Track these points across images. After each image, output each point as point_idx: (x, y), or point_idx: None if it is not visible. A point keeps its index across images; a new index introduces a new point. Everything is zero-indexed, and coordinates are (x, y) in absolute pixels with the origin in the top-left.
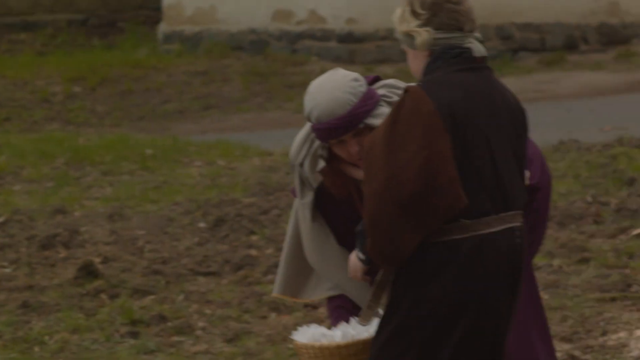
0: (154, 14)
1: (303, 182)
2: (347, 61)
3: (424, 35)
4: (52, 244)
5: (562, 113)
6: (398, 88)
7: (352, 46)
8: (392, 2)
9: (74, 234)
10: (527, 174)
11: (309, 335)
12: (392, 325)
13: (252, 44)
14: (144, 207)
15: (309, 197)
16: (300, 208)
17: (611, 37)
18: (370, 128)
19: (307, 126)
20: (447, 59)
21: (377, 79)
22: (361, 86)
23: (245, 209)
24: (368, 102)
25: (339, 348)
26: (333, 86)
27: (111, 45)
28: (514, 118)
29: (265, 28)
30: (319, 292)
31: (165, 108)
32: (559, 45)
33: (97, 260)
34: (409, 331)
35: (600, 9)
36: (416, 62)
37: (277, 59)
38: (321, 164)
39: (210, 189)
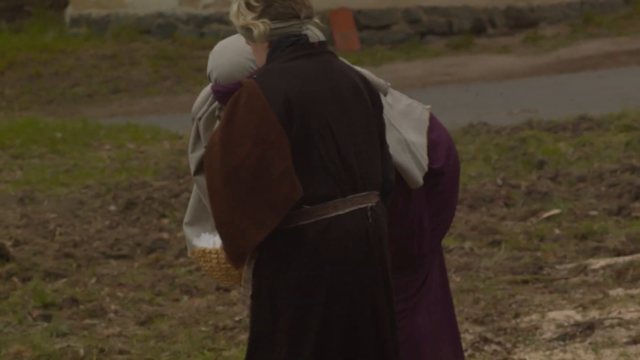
0: None
1: (197, 137)
2: None
3: (260, 27)
4: None
5: (470, 96)
6: None
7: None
8: None
9: None
10: (425, 160)
11: (211, 242)
12: (257, 316)
13: (160, 27)
14: (54, 191)
15: (199, 152)
16: (190, 161)
17: (519, 21)
18: None
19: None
20: (284, 48)
21: None
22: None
23: (156, 192)
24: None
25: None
26: (235, 51)
27: (18, 29)
28: (362, 99)
29: (172, 12)
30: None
31: (74, 92)
32: (467, 28)
33: (8, 243)
34: (271, 321)
35: None
36: (259, 55)
37: (185, 42)
38: (217, 124)
39: (120, 172)
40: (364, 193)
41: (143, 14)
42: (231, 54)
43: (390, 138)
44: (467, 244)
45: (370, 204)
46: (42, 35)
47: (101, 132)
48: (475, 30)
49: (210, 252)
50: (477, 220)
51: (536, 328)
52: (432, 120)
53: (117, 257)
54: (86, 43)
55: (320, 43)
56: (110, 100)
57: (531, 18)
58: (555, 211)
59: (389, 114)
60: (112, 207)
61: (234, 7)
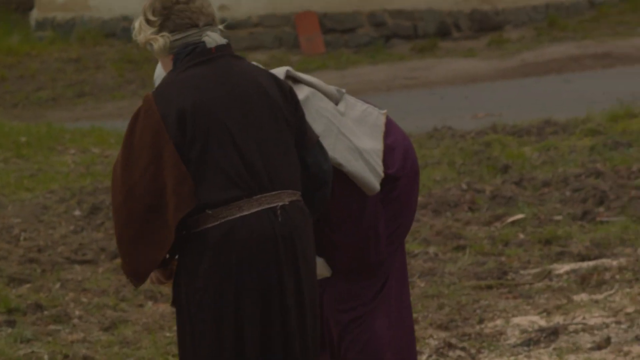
0: (26, 1)
1: None
2: None
3: (159, 40)
4: None
5: (435, 100)
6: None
7: (225, 33)
8: None
9: None
10: (380, 167)
11: None
12: (178, 322)
13: (125, 31)
14: (19, 195)
15: None
16: None
17: (483, 24)
18: None
19: None
20: (182, 59)
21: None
22: None
23: None
24: None
25: None
26: None
27: None
28: (268, 99)
29: (137, 15)
30: None
31: (39, 95)
32: (431, 32)
33: None
34: (190, 326)
35: None
36: (166, 68)
37: None
38: None
39: (84, 176)
40: (274, 193)
41: (108, 17)
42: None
43: (341, 147)
44: (432, 249)
45: (281, 203)
46: (7, 39)
47: (66, 137)
48: (440, 33)
49: None
50: (441, 225)
51: (500, 333)
52: (389, 124)
53: (82, 262)
54: (51, 46)
55: (219, 47)
56: (75, 104)
57: (496, 21)
58: (519, 216)
59: (339, 122)
60: (77, 212)
61: (136, 24)
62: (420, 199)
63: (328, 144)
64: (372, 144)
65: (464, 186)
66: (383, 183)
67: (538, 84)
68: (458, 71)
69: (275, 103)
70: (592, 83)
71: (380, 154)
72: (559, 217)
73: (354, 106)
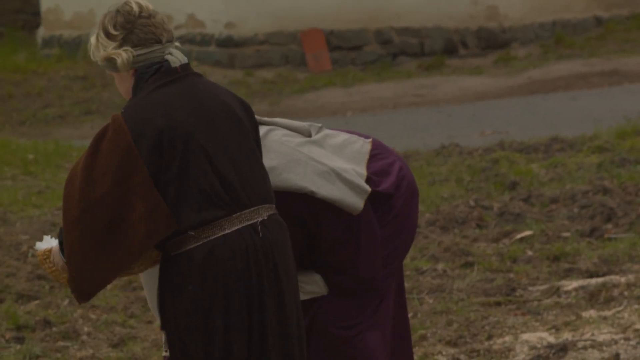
0: (33, 19)
1: None
2: (227, 65)
3: (123, 55)
4: None
5: (442, 117)
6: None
7: (232, 50)
8: (270, 6)
9: None
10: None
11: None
12: (170, 345)
13: None
14: (27, 212)
15: None
16: None
17: (490, 42)
18: None
19: None
20: (147, 79)
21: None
22: None
23: None
24: None
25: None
26: None
27: None
28: (235, 117)
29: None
30: None
31: (46, 112)
32: (438, 49)
33: None
34: (182, 346)
35: (479, 14)
36: (124, 85)
37: None
38: None
39: None
40: (252, 208)
41: None
42: None
43: (310, 173)
44: (440, 266)
45: (260, 219)
46: (14, 56)
47: (73, 154)
48: (447, 51)
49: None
50: (449, 241)
51: (509, 350)
52: (381, 147)
53: None
54: (58, 64)
55: (183, 66)
56: (82, 121)
57: (503, 39)
58: (527, 232)
59: (309, 150)
60: None
61: (92, 41)
62: (428, 215)
63: (297, 173)
64: (352, 165)
65: (472, 203)
66: (378, 204)
67: (545, 101)
68: (465, 89)
69: (241, 120)
70: (599, 100)
71: (364, 175)
72: (567, 234)
73: (336, 136)
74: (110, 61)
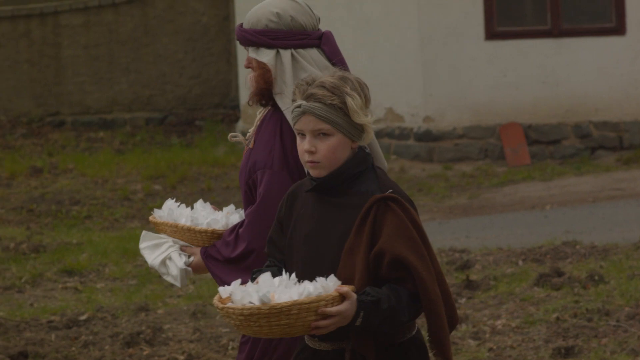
0: (232, 112)
1: None
2: (425, 159)
3: (371, 132)
4: (136, 341)
5: None
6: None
7: (430, 144)
8: (468, 100)
9: (157, 331)
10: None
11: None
12: None
13: None
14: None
15: None
16: None
17: None
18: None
19: None
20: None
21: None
22: (288, 25)
23: None
24: (266, 36)
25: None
26: (272, 1)
27: (189, 143)
28: None
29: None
30: None
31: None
32: (637, 143)
33: (181, 358)
34: None
35: None
36: (345, 153)
37: None
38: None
39: None
40: None
41: None
42: (268, 2)
43: None
44: None
45: None
46: (214, 150)
47: None
48: None
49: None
50: None
51: None
52: None
53: None
54: None
55: None
56: None
57: None
58: None
59: None
60: None
61: (357, 99)
62: (627, 309)
63: None
64: None
65: None
66: None
67: None
68: None
69: None
70: None
71: None
72: None
73: None
74: (355, 128)
